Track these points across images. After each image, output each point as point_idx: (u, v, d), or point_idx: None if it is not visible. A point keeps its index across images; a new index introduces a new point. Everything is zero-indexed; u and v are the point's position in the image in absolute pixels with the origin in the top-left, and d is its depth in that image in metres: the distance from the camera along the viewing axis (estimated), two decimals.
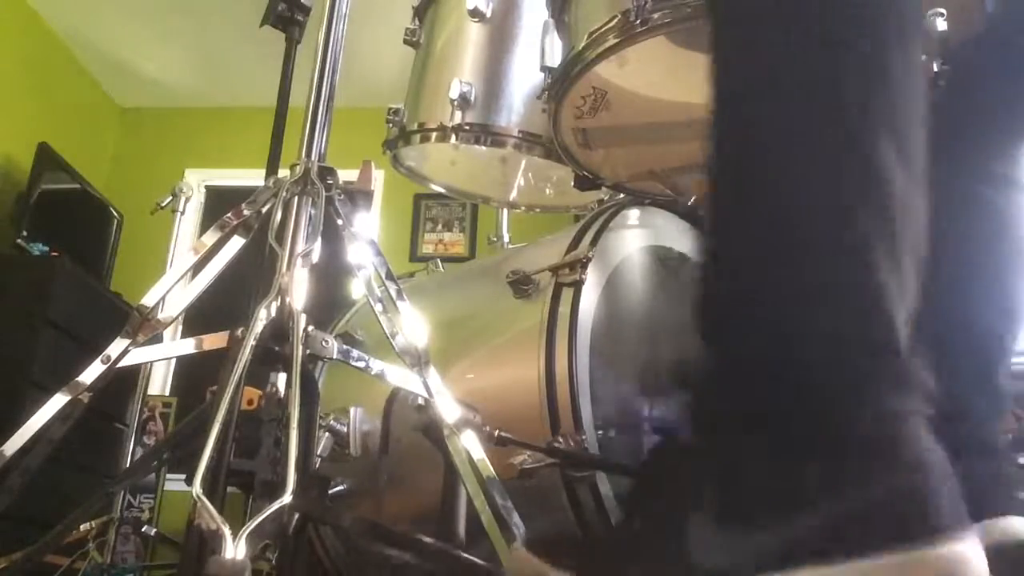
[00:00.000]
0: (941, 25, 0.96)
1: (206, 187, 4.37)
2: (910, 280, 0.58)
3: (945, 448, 0.90)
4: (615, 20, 1.00)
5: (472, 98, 1.46)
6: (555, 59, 1.15)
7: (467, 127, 1.46)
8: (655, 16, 0.97)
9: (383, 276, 1.07)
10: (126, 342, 1.04)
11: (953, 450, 0.92)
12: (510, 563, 0.67)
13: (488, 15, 1.51)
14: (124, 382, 2.72)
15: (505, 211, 2.02)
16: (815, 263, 0.57)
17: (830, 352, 0.55)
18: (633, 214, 1.42)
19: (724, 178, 0.63)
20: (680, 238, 1.43)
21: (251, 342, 0.89)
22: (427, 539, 0.80)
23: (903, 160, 0.59)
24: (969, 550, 0.51)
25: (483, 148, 1.51)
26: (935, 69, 0.96)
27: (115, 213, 3.96)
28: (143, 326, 1.04)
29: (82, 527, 2.02)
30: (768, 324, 0.58)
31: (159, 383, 3.96)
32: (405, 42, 1.64)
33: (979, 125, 0.99)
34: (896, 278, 0.57)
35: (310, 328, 0.94)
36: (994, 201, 0.98)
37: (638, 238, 1.40)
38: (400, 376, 1.04)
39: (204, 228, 3.55)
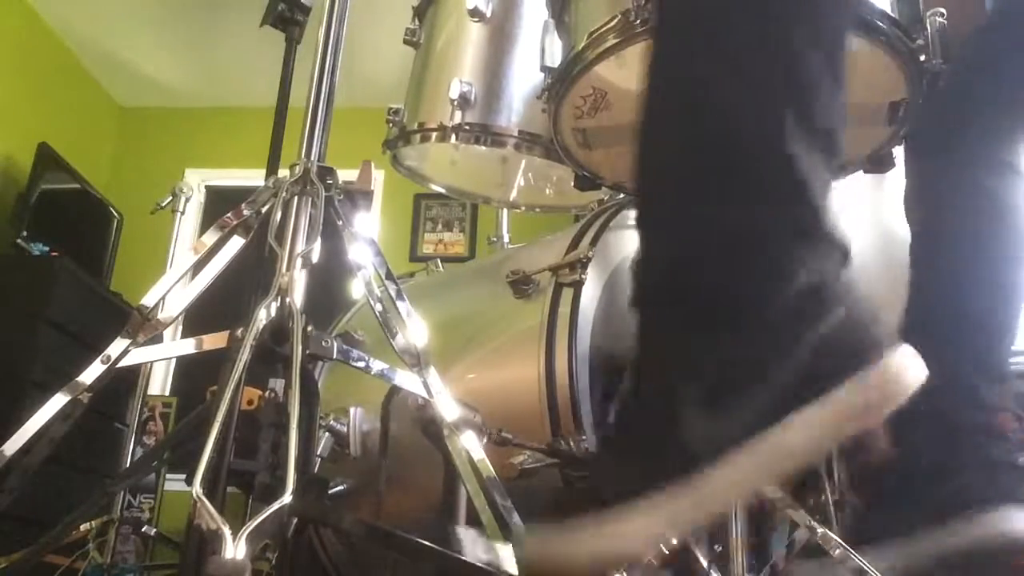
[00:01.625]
0: (941, 25, 0.96)
1: (206, 187, 4.37)
2: (829, 159, 0.64)
3: (954, 432, 0.92)
4: (615, 20, 1.01)
5: (472, 98, 1.46)
6: (555, 59, 1.15)
7: (467, 127, 1.46)
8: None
9: (383, 276, 1.07)
10: (126, 342, 1.04)
11: (962, 433, 0.93)
12: (518, 543, 0.69)
13: (488, 15, 1.51)
14: (124, 382, 2.72)
15: (505, 211, 2.02)
16: (733, 149, 0.64)
17: (759, 233, 0.63)
18: (633, 214, 1.42)
19: (652, 72, 0.69)
20: None
21: (251, 342, 0.89)
22: (426, 541, 0.80)
23: (819, 49, 0.64)
24: (904, 356, 0.62)
25: (483, 148, 1.51)
26: (936, 69, 0.96)
27: (115, 213, 3.96)
28: (143, 326, 1.04)
29: (82, 527, 2.01)
30: (696, 214, 0.65)
31: (159, 383, 3.95)
32: (405, 42, 1.64)
33: (984, 114, 1.00)
34: (813, 158, 0.63)
35: (310, 328, 0.94)
36: (997, 189, 0.98)
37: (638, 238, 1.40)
38: (400, 376, 1.04)
39: (204, 228, 3.54)
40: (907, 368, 0.62)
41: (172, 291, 1.08)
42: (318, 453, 1.17)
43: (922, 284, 1.02)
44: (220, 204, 4.17)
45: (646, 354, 0.66)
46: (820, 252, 0.63)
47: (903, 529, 0.90)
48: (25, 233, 3.31)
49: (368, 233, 1.09)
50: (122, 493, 2.49)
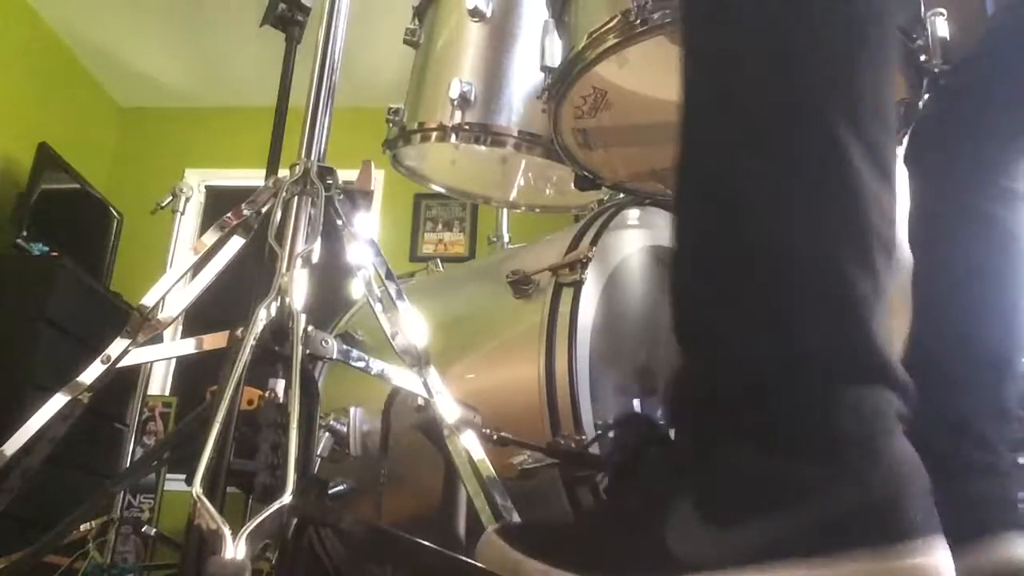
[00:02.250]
0: (942, 25, 0.96)
1: (206, 187, 4.37)
2: (884, 280, 0.59)
3: (952, 466, 0.89)
4: (615, 20, 1.01)
5: (472, 98, 1.46)
6: (555, 59, 1.15)
7: (467, 127, 1.46)
8: (655, 16, 0.97)
9: (383, 276, 1.07)
10: (126, 342, 1.04)
11: (960, 468, 0.91)
12: (482, 548, 0.67)
13: (488, 15, 1.51)
14: (124, 382, 2.72)
15: (505, 211, 2.02)
16: (790, 276, 0.58)
17: (803, 364, 0.57)
18: (633, 214, 1.42)
19: (687, 187, 0.63)
20: None
21: (251, 342, 0.89)
22: (426, 541, 0.80)
23: (872, 162, 0.58)
24: (939, 560, 0.53)
25: (483, 148, 1.51)
26: (935, 69, 0.96)
27: (115, 213, 3.96)
28: (143, 326, 1.04)
29: (82, 527, 2.01)
30: (740, 338, 0.59)
31: (159, 383, 3.95)
32: (405, 42, 1.64)
33: (985, 139, 0.99)
34: (871, 283, 0.57)
35: (310, 328, 0.93)
36: (1001, 217, 0.97)
37: (638, 238, 1.40)
38: (400, 376, 1.04)
39: (204, 228, 3.54)
40: (938, 566, 0.53)
41: (172, 291, 1.08)
42: (318, 453, 1.17)
43: (926, 318, 0.99)
44: (220, 204, 4.17)
45: (668, 439, 0.63)
46: (872, 386, 0.57)
47: None
48: (25, 233, 3.31)
49: (368, 233, 1.09)
50: (122, 493, 2.49)
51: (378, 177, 4.03)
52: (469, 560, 0.77)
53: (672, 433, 0.63)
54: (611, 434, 1.22)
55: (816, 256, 0.57)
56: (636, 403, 1.32)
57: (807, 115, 0.58)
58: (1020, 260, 0.97)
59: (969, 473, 0.90)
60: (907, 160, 1.04)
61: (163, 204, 2.72)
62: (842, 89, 0.59)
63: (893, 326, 1.06)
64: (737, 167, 0.60)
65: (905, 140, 1.06)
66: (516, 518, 0.92)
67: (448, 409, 1.01)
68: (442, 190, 1.74)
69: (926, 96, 1.06)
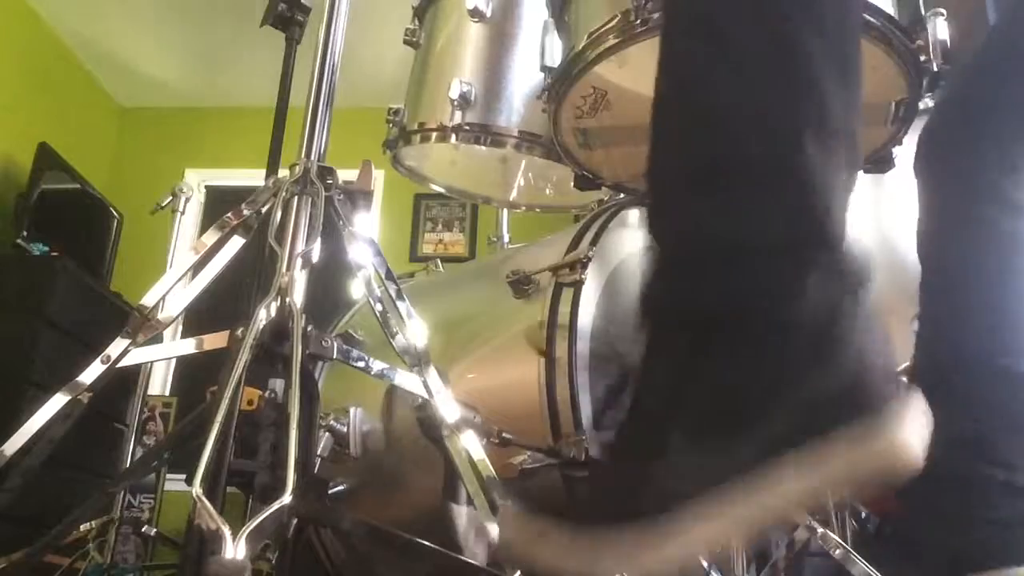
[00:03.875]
0: (942, 25, 0.96)
1: (206, 187, 4.37)
2: (846, 164, 0.62)
3: (973, 490, 0.89)
4: (615, 20, 1.00)
5: (472, 98, 1.46)
6: (555, 59, 1.15)
7: (467, 127, 1.46)
8: (655, 16, 0.97)
9: (383, 276, 1.07)
10: (126, 342, 1.04)
11: (980, 492, 0.91)
12: (503, 523, 0.67)
13: (488, 15, 1.50)
14: (124, 382, 2.72)
15: (505, 211, 2.02)
16: (747, 156, 0.61)
17: (772, 251, 0.60)
18: (633, 214, 1.42)
19: (665, 79, 0.67)
20: None
21: (251, 342, 0.89)
22: (426, 541, 0.80)
23: (827, 49, 0.62)
24: (909, 414, 0.58)
25: (483, 148, 1.51)
26: (935, 69, 0.96)
27: (115, 213, 3.96)
28: (143, 326, 1.04)
29: (82, 527, 2.01)
30: (708, 222, 0.62)
31: (159, 383, 3.95)
32: (405, 42, 1.64)
33: (992, 148, 0.99)
34: (829, 163, 0.61)
35: (310, 328, 0.93)
36: (1003, 223, 0.97)
37: (638, 238, 1.40)
38: (400, 376, 1.04)
39: (204, 228, 3.54)
40: (915, 423, 0.57)
41: (172, 291, 1.08)
42: (318, 453, 1.17)
43: (935, 329, 0.99)
44: (220, 204, 4.17)
45: (643, 372, 0.64)
46: (832, 275, 0.60)
47: (923, 564, 0.89)
48: (25, 233, 3.31)
49: (368, 233, 1.09)
50: (122, 493, 2.49)
51: (378, 177, 4.03)
52: (469, 560, 0.77)
53: (646, 359, 0.65)
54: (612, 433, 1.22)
55: (779, 149, 0.61)
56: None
57: (769, 18, 0.62)
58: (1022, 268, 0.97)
59: (990, 495, 0.90)
60: (916, 169, 1.04)
61: (163, 204, 2.72)
62: (807, 7, 0.63)
63: (892, 325, 1.06)
64: (702, 67, 0.64)
65: (910, 144, 1.06)
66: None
67: (448, 409, 1.01)
68: (442, 190, 1.74)
69: (927, 96, 1.06)
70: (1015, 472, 0.91)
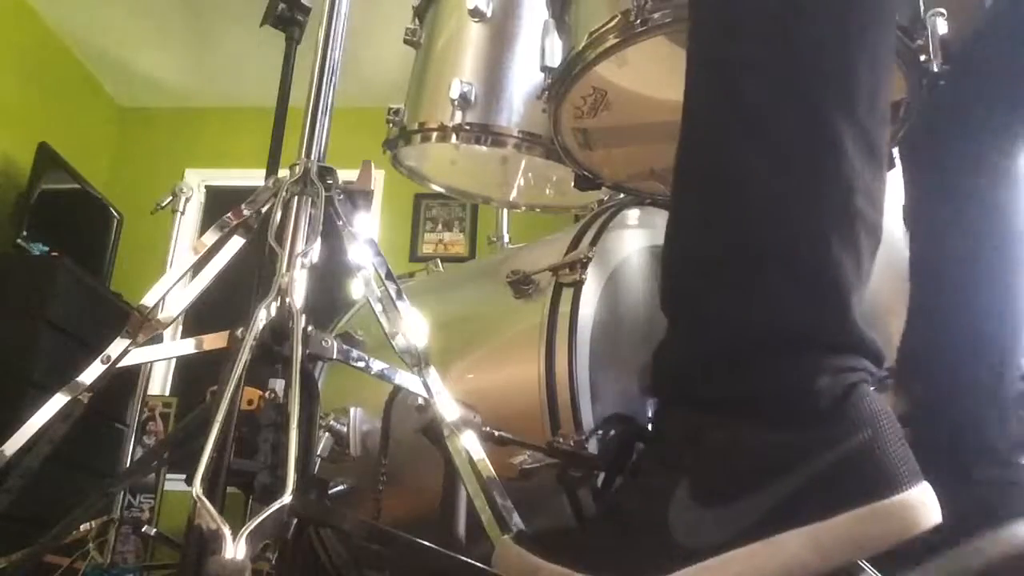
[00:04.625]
0: (942, 25, 0.96)
1: (206, 187, 4.37)
2: (866, 262, 0.62)
3: (957, 457, 0.90)
4: (615, 20, 1.00)
5: (472, 98, 1.46)
6: (555, 59, 1.15)
7: (467, 127, 1.46)
8: (655, 16, 0.96)
9: (383, 276, 1.07)
10: (126, 342, 1.04)
11: (965, 458, 0.92)
12: (500, 555, 0.68)
13: (488, 15, 1.50)
14: (124, 382, 2.72)
15: (505, 211, 2.02)
16: (773, 254, 0.61)
17: (786, 338, 0.60)
18: (633, 214, 1.42)
19: (687, 171, 0.67)
20: None
21: (251, 342, 0.89)
22: (426, 541, 0.80)
23: (857, 132, 0.61)
24: (921, 496, 0.58)
25: (483, 148, 1.51)
26: (935, 69, 0.96)
27: (115, 213, 3.96)
28: (143, 326, 1.04)
29: (82, 527, 2.01)
30: (728, 311, 0.62)
31: (159, 383, 3.95)
32: (405, 42, 1.64)
33: (981, 117, 0.99)
34: (853, 263, 0.61)
35: (310, 328, 0.93)
36: (995, 197, 0.97)
37: (638, 238, 1.40)
38: (400, 376, 1.04)
39: (204, 228, 3.54)
40: (918, 511, 0.58)
41: (172, 291, 1.08)
42: (318, 453, 1.17)
43: (924, 305, 1.00)
44: (220, 204, 4.17)
45: (656, 433, 0.65)
46: (851, 359, 0.60)
47: (916, 552, 0.89)
48: (25, 233, 3.31)
49: (368, 233, 1.09)
50: (122, 493, 2.49)
51: (378, 177, 4.03)
52: (469, 560, 0.77)
53: (656, 418, 0.65)
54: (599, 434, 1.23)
55: (802, 235, 0.61)
56: (637, 403, 1.32)
57: (803, 104, 0.62)
58: (1015, 244, 0.98)
59: (979, 461, 0.91)
60: (900, 149, 1.04)
61: (163, 204, 2.72)
62: (839, 80, 0.62)
63: (892, 325, 1.06)
64: (733, 149, 0.63)
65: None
66: (516, 518, 0.91)
67: (448, 409, 1.01)
68: (442, 190, 1.74)
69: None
70: (1004, 443, 0.92)
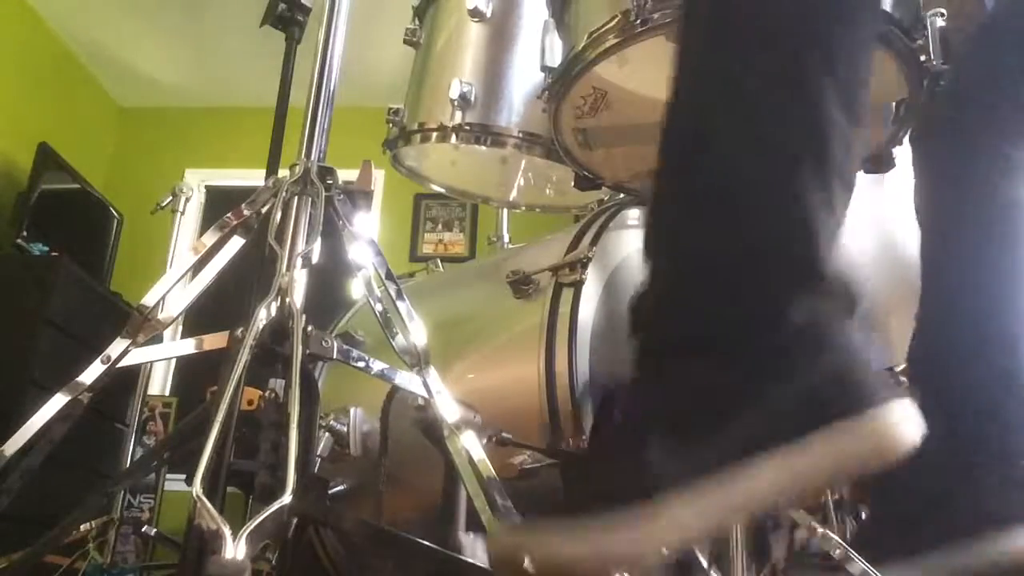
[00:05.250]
0: (941, 24, 0.96)
1: (206, 187, 4.37)
2: (839, 205, 0.64)
3: (972, 450, 0.91)
4: (615, 20, 1.00)
5: (472, 98, 1.46)
6: (555, 59, 1.15)
7: (467, 127, 1.46)
8: (655, 16, 0.97)
9: (383, 276, 1.07)
10: (126, 342, 1.04)
11: (983, 453, 0.92)
12: (488, 547, 0.69)
13: (488, 15, 1.50)
14: (124, 382, 2.72)
15: (505, 211, 2.02)
16: (746, 193, 0.63)
17: (757, 271, 0.62)
18: (633, 214, 1.42)
19: (671, 118, 0.69)
20: None
21: (251, 342, 0.89)
22: (427, 541, 0.80)
23: (837, 86, 0.63)
24: (899, 412, 0.58)
25: (483, 148, 1.51)
26: (935, 68, 0.96)
27: (115, 213, 3.96)
28: (143, 326, 1.04)
29: (82, 527, 2.01)
30: (701, 248, 0.64)
31: (159, 383, 3.95)
32: (405, 42, 1.64)
33: (984, 111, 0.99)
34: (825, 204, 0.62)
35: (310, 328, 0.93)
36: (1002, 185, 0.98)
37: (638, 238, 1.40)
38: (400, 376, 1.04)
39: (204, 228, 3.54)
40: (901, 425, 0.58)
41: (172, 291, 1.08)
42: (318, 453, 1.17)
43: (936, 292, 1.00)
44: (220, 204, 4.17)
45: (634, 376, 0.66)
46: (818, 295, 0.61)
47: (916, 547, 0.89)
48: (25, 233, 3.31)
49: (368, 233, 1.09)
50: (122, 493, 2.49)
51: (378, 177, 4.03)
52: (469, 560, 0.77)
53: (633, 364, 0.66)
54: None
55: (776, 177, 0.62)
56: None
57: (784, 57, 0.64)
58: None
59: (983, 452, 0.91)
60: (912, 142, 1.04)
61: (163, 204, 2.72)
62: (821, 46, 0.64)
63: (892, 324, 1.06)
64: (716, 100, 0.65)
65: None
66: (516, 518, 0.92)
67: (448, 409, 1.01)
68: (442, 190, 1.74)
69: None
70: (1016, 435, 0.92)
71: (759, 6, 0.66)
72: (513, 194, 1.76)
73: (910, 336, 1.02)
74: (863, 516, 1.27)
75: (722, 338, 0.61)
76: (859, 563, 0.92)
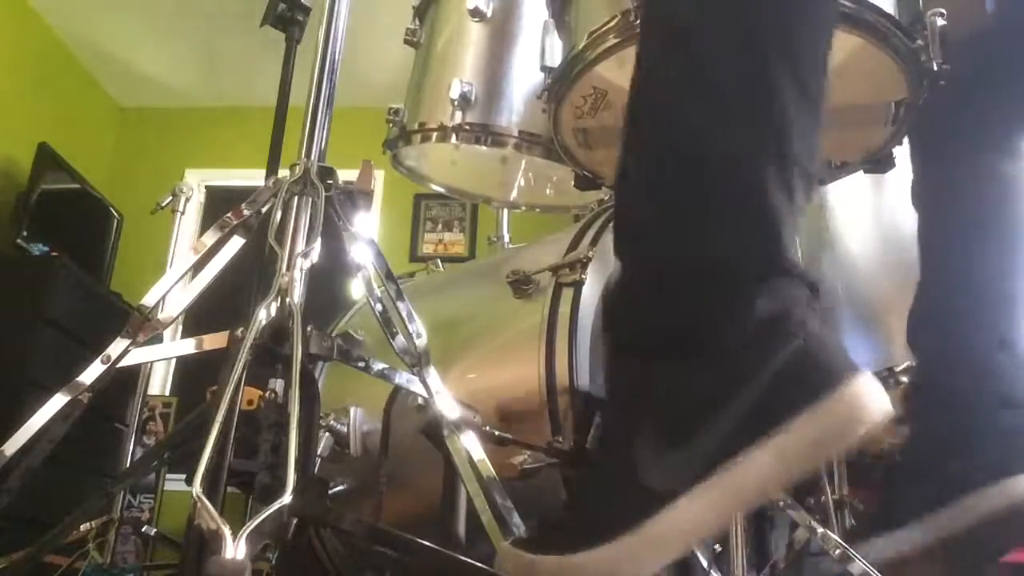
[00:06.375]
0: (941, 24, 0.96)
1: (206, 187, 4.37)
2: (799, 200, 0.65)
3: (972, 405, 0.94)
4: (615, 20, 1.00)
5: (472, 98, 1.46)
6: (555, 59, 1.15)
7: (467, 127, 1.46)
8: None
9: (383, 276, 1.07)
10: (126, 342, 1.04)
11: (980, 406, 0.95)
12: (501, 560, 0.69)
13: (488, 15, 1.50)
14: (124, 382, 2.72)
15: (505, 211, 2.02)
16: (709, 189, 0.64)
17: (720, 268, 0.63)
18: None
19: (638, 97, 0.69)
20: None
21: (251, 342, 0.89)
22: (426, 542, 0.80)
23: (797, 83, 0.64)
24: (864, 385, 0.60)
25: (483, 148, 1.51)
26: (935, 68, 0.96)
27: (115, 213, 3.96)
28: (143, 326, 1.04)
29: (82, 527, 2.01)
30: (665, 245, 0.65)
31: (159, 383, 3.95)
32: (405, 42, 1.64)
33: (982, 100, 1.01)
34: (786, 200, 0.64)
35: (310, 328, 0.93)
36: (997, 168, 1.01)
37: None
38: (400, 376, 1.04)
39: (204, 228, 3.54)
40: (865, 398, 0.59)
41: (172, 291, 1.08)
42: (318, 453, 1.17)
43: (933, 263, 1.03)
44: (220, 204, 4.17)
45: (609, 380, 0.67)
46: (783, 284, 0.63)
47: (925, 506, 0.91)
48: (25, 233, 3.31)
49: (368, 233, 1.09)
50: (122, 493, 2.49)
51: (378, 177, 4.03)
52: (469, 560, 0.77)
53: (608, 370, 0.67)
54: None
55: (738, 172, 0.64)
56: None
57: (746, 55, 0.65)
58: (1020, 207, 1.01)
59: (983, 406, 0.93)
60: (908, 134, 1.06)
61: (163, 204, 2.72)
62: (781, 34, 0.65)
63: (892, 324, 1.06)
64: (678, 92, 0.66)
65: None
66: (516, 518, 0.92)
67: (448, 409, 1.01)
68: (442, 190, 1.74)
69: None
70: (1014, 386, 0.95)
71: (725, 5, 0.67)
72: (513, 194, 1.76)
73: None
74: (860, 509, 1.28)
75: (693, 336, 0.62)
76: (859, 563, 0.92)
